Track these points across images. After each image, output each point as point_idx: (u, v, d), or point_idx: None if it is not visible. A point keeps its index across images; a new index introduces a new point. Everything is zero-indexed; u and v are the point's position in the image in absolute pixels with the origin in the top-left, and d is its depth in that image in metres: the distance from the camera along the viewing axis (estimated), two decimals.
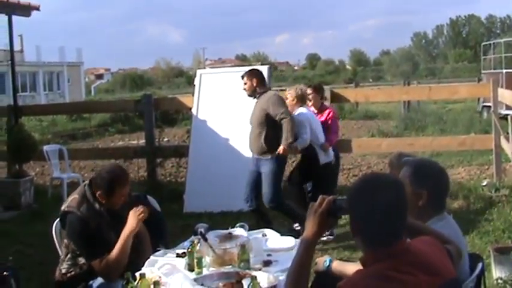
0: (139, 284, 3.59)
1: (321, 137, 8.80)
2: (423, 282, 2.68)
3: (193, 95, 11.43)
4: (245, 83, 8.48)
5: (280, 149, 8.08)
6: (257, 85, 8.39)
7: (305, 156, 8.97)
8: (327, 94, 10.54)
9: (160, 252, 4.82)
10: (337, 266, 4.18)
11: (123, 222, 4.72)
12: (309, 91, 9.14)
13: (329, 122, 9.14)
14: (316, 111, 9.16)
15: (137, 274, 3.70)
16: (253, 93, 8.46)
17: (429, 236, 3.06)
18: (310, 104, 9.15)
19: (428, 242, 2.95)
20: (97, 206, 4.75)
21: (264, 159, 8.24)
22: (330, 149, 8.97)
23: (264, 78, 8.54)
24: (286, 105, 8.31)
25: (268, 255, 4.55)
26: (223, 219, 9.12)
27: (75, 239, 4.74)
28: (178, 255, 4.65)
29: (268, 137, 8.20)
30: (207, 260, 4.32)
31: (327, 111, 9.25)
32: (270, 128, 8.20)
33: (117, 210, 4.83)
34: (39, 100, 47.87)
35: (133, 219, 4.68)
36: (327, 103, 9.72)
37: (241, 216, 9.09)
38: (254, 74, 8.51)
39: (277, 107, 8.12)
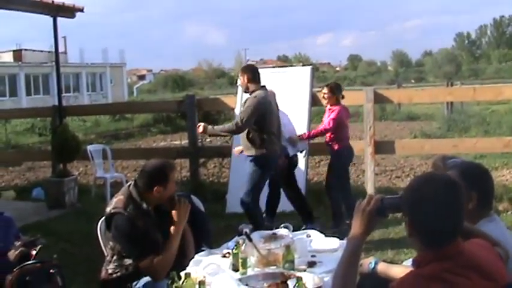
0: (184, 283, 3.58)
1: (288, 131, 9.01)
2: (477, 286, 2.64)
3: (235, 96, 11.42)
4: (239, 79, 8.34)
5: (200, 125, 8.15)
6: (248, 81, 8.15)
7: None
8: (370, 95, 10.46)
9: (204, 252, 4.82)
10: (383, 268, 4.12)
11: (169, 221, 4.74)
12: (324, 90, 9.20)
13: (329, 120, 9.08)
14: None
15: (182, 274, 3.70)
16: (246, 90, 8.25)
17: (479, 238, 3.01)
18: (325, 102, 9.24)
19: (481, 245, 2.89)
20: (144, 205, 4.76)
21: (248, 158, 8.19)
22: (305, 142, 9.53)
23: (256, 75, 8.25)
24: (254, 112, 7.99)
25: (313, 256, 4.52)
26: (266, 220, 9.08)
27: (123, 240, 4.73)
28: (223, 256, 4.65)
29: (250, 136, 8.06)
30: (251, 260, 4.31)
31: (333, 111, 9.15)
32: (252, 127, 8.03)
33: (163, 208, 4.85)
34: (82, 101, 48.39)
35: (179, 214, 4.74)
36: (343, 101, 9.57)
37: (283, 216, 9.08)
38: (246, 70, 8.29)
39: (244, 109, 7.98)
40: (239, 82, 8.39)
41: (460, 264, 2.65)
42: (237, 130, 8.08)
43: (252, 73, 8.21)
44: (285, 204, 9.63)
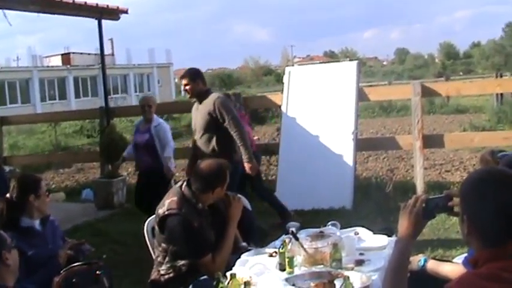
0: (230, 283, 3.54)
1: None
2: None
3: (282, 93, 11.37)
4: (186, 84, 7.69)
5: (247, 167, 7.64)
6: (203, 85, 7.74)
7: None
8: (418, 88, 10.30)
9: (251, 251, 4.79)
10: (433, 265, 4.04)
11: (222, 219, 4.77)
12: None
13: None
14: None
15: (228, 274, 3.66)
16: (199, 96, 7.70)
17: None
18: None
19: None
20: (200, 205, 4.75)
21: None
22: None
23: (204, 78, 7.86)
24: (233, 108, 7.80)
25: (361, 254, 4.45)
26: (314, 217, 8.99)
27: (180, 241, 4.71)
28: (269, 255, 4.60)
29: (220, 142, 7.57)
30: (298, 259, 4.25)
31: None
32: (220, 132, 7.53)
33: (216, 207, 4.89)
34: (130, 101, 48.75)
35: (233, 212, 4.84)
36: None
37: (332, 213, 8.99)
38: (197, 75, 7.72)
39: (225, 111, 7.50)
40: (187, 88, 7.76)
41: None
42: (242, 129, 7.60)
43: (203, 77, 7.80)
44: (333, 201, 9.60)
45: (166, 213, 4.74)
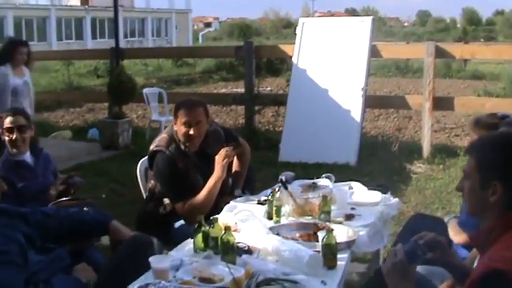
0: (210, 228, 3.49)
1: None
2: None
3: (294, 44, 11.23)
4: None
5: None
6: None
7: None
8: (431, 48, 10.15)
9: (241, 198, 4.74)
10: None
11: (210, 163, 4.66)
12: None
13: None
14: None
15: (211, 218, 3.61)
16: None
17: None
18: None
19: None
20: (182, 146, 4.69)
21: None
22: None
23: None
24: None
25: (352, 208, 4.37)
26: (317, 171, 8.81)
27: (162, 179, 4.72)
28: (259, 203, 4.55)
29: None
30: (286, 209, 4.18)
31: None
32: None
33: (204, 150, 4.78)
34: (147, 45, 48.52)
35: (219, 167, 4.62)
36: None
37: (335, 168, 8.92)
38: None
39: None
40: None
41: None
42: None
43: None
44: (337, 156, 9.55)
45: (154, 149, 4.74)
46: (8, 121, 4.93)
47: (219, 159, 4.62)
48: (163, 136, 4.81)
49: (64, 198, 4.65)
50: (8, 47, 7.98)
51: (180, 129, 4.69)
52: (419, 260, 2.68)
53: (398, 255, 2.63)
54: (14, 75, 7.72)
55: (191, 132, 4.66)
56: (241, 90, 13.56)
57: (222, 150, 4.67)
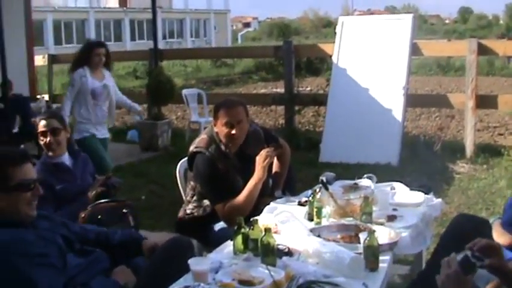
0: (250, 230, 3.48)
1: None
2: None
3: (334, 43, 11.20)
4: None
5: None
6: None
7: None
8: (474, 45, 10.04)
9: (281, 199, 4.73)
10: None
11: (250, 164, 4.64)
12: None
13: None
14: None
15: (251, 220, 3.61)
16: None
17: None
18: None
19: None
20: (223, 147, 4.69)
21: None
22: None
23: None
24: None
25: (394, 209, 4.33)
26: (358, 171, 8.76)
27: (202, 181, 4.70)
28: (300, 204, 4.53)
29: None
30: (328, 210, 4.16)
31: None
32: None
33: (244, 151, 4.78)
34: (185, 46, 48.77)
35: (259, 168, 4.60)
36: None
37: (377, 169, 8.85)
38: None
39: None
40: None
41: None
42: None
43: None
44: (379, 156, 9.50)
45: (194, 150, 4.73)
46: (41, 125, 4.96)
47: (260, 160, 4.59)
48: (202, 137, 4.80)
49: (102, 200, 4.66)
50: (84, 49, 7.91)
51: (221, 130, 4.67)
52: (475, 269, 2.54)
53: (452, 266, 2.53)
54: (92, 77, 7.66)
55: (233, 132, 4.64)
56: (281, 90, 13.57)
57: (262, 151, 4.63)
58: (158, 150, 11.36)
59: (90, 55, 7.66)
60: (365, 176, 4.82)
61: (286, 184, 5.18)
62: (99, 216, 4.41)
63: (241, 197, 4.56)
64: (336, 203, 4.16)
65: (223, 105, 4.75)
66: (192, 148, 4.78)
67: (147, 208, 7.29)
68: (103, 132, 7.94)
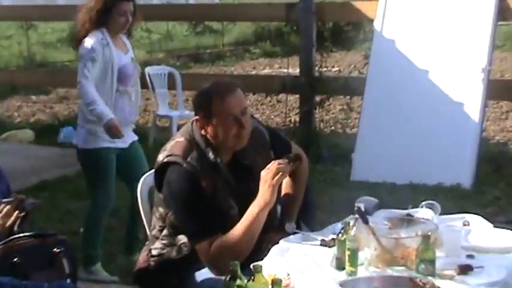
0: (250, 281, 3.48)
1: None
2: None
3: (377, 0, 11.19)
4: None
5: None
6: None
7: None
8: None
9: (297, 236, 4.73)
10: None
11: (250, 182, 4.62)
12: None
13: None
14: None
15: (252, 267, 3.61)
16: None
17: None
18: None
19: None
20: (211, 155, 4.65)
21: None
22: None
23: None
24: None
25: (469, 256, 4.31)
26: (411, 196, 8.89)
27: (177, 206, 4.61)
28: (324, 244, 4.54)
29: None
30: (366, 254, 4.17)
31: None
32: None
33: (239, 161, 4.75)
34: (150, 2, 48.88)
35: (266, 188, 4.45)
36: None
37: (440, 192, 8.94)
38: None
39: None
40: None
41: None
42: None
43: None
44: (441, 175, 9.55)
45: (165, 160, 4.62)
46: None
47: (267, 176, 4.46)
48: (177, 141, 4.73)
49: (22, 235, 4.63)
50: (102, 3, 7.54)
51: (220, 131, 4.59)
52: None
53: None
54: (116, 49, 7.40)
55: (242, 129, 4.59)
56: (294, 71, 13.58)
57: (272, 164, 4.53)
58: None
59: (111, 13, 7.43)
60: (423, 203, 4.85)
61: (302, 213, 5.18)
62: (15, 259, 4.39)
63: (237, 231, 4.48)
64: (380, 243, 4.17)
65: (220, 92, 4.63)
66: (161, 157, 4.70)
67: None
68: (130, 136, 7.66)
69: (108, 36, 7.30)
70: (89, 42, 7.18)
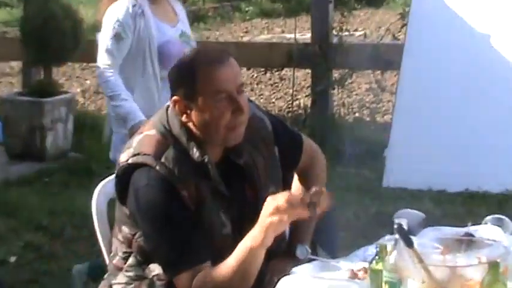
0: None
1: None
2: None
3: None
4: None
5: None
6: None
7: None
8: None
9: (312, 263, 4.70)
10: None
11: (245, 189, 4.61)
12: None
13: None
14: None
15: None
16: None
17: None
18: None
19: None
20: (195, 152, 4.52)
21: None
22: None
23: None
24: None
25: None
26: (469, 208, 8.96)
27: (147, 225, 4.46)
28: (351, 276, 4.52)
29: None
30: (412, 286, 4.16)
31: None
32: None
33: (231, 159, 4.64)
34: None
35: (259, 227, 4.13)
36: None
37: (507, 203, 8.95)
38: None
39: None
40: None
41: None
42: None
43: None
44: (495, 180, 9.56)
45: (130, 161, 4.46)
46: None
47: (267, 210, 4.11)
48: (147, 134, 4.56)
49: None
50: None
51: (209, 114, 4.37)
52: None
53: None
54: (158, 20, 7.28)
55: (240, 112, 4.38)
56: (304, 36, 13.59)
57: (287, 195, 4.12)
58: (45, 160, 11.38)
59: None
60: (487, 218, 4.84)
61: (319, 233, 5.16)
62: None
63: (226, 268, 4.24)
64: (429, 274, 4.16)
65: (208, 61, 4.45)
66: (125, 157, 4.55)
67: (25, 281, 7.34)
68: None
69: (146, 1, 7.20)
70: (114, 11, 7.05)
